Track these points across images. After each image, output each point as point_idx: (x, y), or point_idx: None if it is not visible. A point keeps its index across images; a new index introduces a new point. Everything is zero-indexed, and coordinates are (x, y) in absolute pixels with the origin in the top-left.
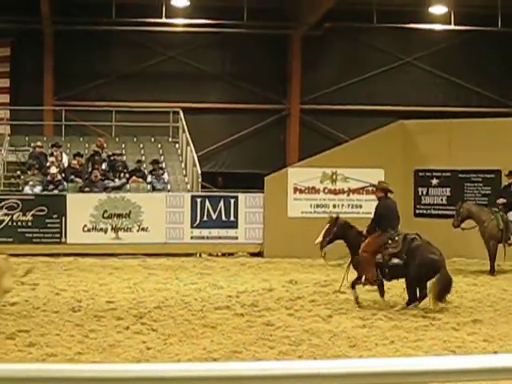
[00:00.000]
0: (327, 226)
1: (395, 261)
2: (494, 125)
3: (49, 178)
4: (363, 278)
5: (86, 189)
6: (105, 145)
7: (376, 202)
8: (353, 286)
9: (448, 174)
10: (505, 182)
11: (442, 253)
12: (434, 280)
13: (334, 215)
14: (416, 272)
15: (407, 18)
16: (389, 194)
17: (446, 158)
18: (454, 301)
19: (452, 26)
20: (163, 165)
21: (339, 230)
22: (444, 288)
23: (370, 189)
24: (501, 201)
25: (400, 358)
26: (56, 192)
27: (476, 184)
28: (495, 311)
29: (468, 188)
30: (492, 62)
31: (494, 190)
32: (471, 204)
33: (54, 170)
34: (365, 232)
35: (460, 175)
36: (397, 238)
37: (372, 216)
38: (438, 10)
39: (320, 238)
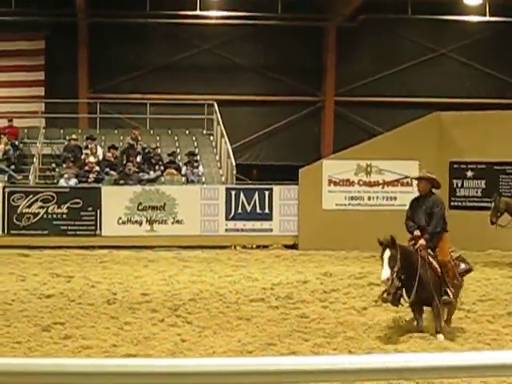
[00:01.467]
0: (388, 255)
1: (462, 266)
2: None
3: (87, 168)
4: (450, 294)
5: (121, 181)
6: (139, 137)
7: (409, 195)
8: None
9: (483, 166)
10: None
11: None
12: None
13: (387, 239)
14: None
15: (442, 9)
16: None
17: (481, 150)
18: (489, 293)
19: (487, 18)
20: (198, 157)
21: (403, 254)
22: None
23: (405, 181)
24: None
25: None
26: (93, 182)
27: (511, 176)
28: None
29: (503, 180)
30: None
31: None
32: (507, 198)
33: (92, 159)
34: (409, 241)
35: (495, 167)
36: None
37: (437, 215)
38: (472, 1)
39: (387, 274)
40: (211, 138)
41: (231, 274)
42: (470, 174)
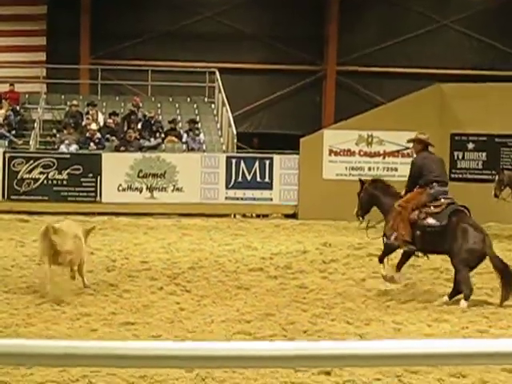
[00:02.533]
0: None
1: (430, 221)
2: None
3: (88, 134)
4: (393, 236)
5: (122, 148)
6: (140, 104)
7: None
8: (380, 259)
9: (484, 138)
10: None
11: (485, 237)
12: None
13: (363, 178)
14: (463, 256)
15: None
16: (430, 149)
17: (482, 123)
18: (488, 266)
19: None
20: (199, 125)
21: (366, 194)
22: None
23: (406, 152)
24: None
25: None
26: (95, 149)
27: None
28: None
29: (504, 153)
30: None
31: None
32: (511, 172)
33: (94, 126)
34: (403, 193)
35: (496, 140)
36: (443, 200)
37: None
38: None
39: (356, 209)
40: (212, 105)
41: (231, 243)
42: (470, 146)
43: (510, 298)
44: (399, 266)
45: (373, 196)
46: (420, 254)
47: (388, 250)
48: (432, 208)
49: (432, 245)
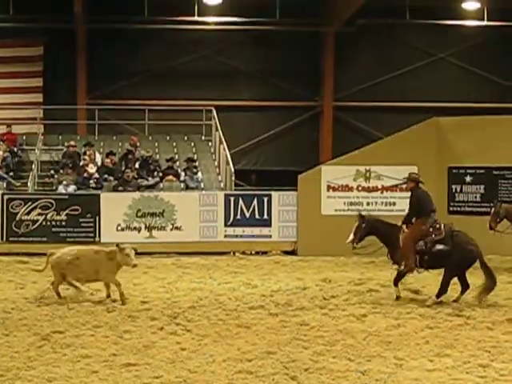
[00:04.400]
0: (356, 224)
1: (439, 247)
2: None
3: (85, 174)
4: (404, 265)
5: (120, 188)
6: (138, 143)
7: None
8: (395, 283)
9: (482, 171)
10: None
11: (477, 246)
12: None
13: (362, 213)
14: (456, 261)
15: (440, 13)
16: (420, 185)
17: (479, 155)
18: (488, 299)
19: (485, 22)
20: (196, 163)
21: (368, 225)
22: (491, 285)
23: (404, 186)
24: None
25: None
26: (92, 190)
27: (510, 181)
28: None
29: (502, 185)
30: None
31: None
32: (508, 205)
33: (92, 168)
34: (400, 223)
35: (494, 172)
36: (438, 226)
37: (408, 207)
38: (470, 5)
39: (351, 237)
40: (210, 143)
41: (230, 281)
42: (468, 179)
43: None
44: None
45: (375, 227)
46: (420, 270)
47: (401, 275)
48: (434, 236)
49: (438, 262)
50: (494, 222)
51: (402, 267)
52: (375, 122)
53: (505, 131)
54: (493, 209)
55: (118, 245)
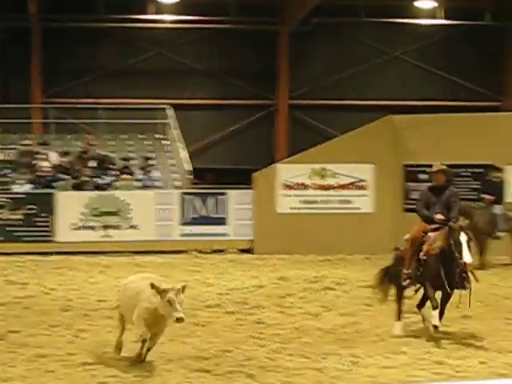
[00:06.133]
0: (465, 238)
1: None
2: (483, 119)
3: (40, 173)
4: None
5: (75, 187)
6: (93, 142)
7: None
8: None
9: None
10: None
11: None
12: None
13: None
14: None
15: (394, 12)
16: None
17: (434, 153)
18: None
19: (439, 21)
20: (152, 162)
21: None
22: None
23: (360, 184)
24: (487, 196)
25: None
26: (47, 189)
27: (465, 178)
28: (485, 306)
29: (457, 182)
30: (479, 57)
31: (482, 184)
32: (465, 203)
33: (45, 163)
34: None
35: None
36: None
37: (457, 205)
38: (425, 4)
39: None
40: (165, 142)
41: (186, 280)
42: (423, 176)
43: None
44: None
45: None
46: None
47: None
48: None
49: None
50: None
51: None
52: (330, 120)
53: (459, 129)
54: None
55: (153, 285)
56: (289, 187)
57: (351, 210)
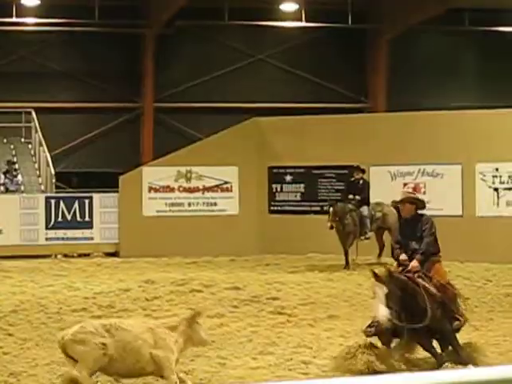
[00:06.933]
0: (384, 291)
1: None
2: (346, 120)
3: None
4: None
5: None
6: None
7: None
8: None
9: (302, 170)
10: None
11: None
12: None
13: (384, 271)
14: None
15: (258, 15)
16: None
17: (299, 155)
18: (310, 296)
19: (303, 23)
20: (16, 166)
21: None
22: None
23: (225, 186)
24: (353, 197)
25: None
26: None
27: (329, 179)
28: (351, 306)
29: (322, 184)
30: (343, 59)
31: (346, 185)
32: (343, 204)
33: None
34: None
35: (313, 171)
36: None
37: (426, 235)
38: (288, 7)
39: (385, 314)
40: (30, 146)
41: (52, 284)
42: (288, 178)
43: None
44: None
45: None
46: None
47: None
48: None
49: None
50: (333, 220)
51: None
52: (196, 123)
53: (323, 130)
54: (331, 208)
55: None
56: (154, 190)
57: (217, 212)
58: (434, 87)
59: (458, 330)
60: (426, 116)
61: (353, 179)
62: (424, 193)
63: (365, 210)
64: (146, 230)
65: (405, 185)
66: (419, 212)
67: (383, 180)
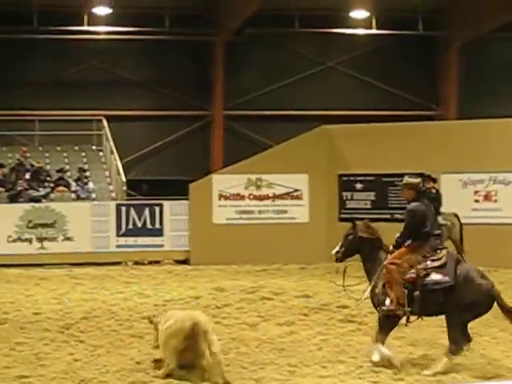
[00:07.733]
0: (344, 234)
1: (436, 277)
2: (417, 128)
3: None
4: (387, 301)
5: (10, 199)
6: (28, 154)
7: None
8: (378, 338)
9: (372, 178)
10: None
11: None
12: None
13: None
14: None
15: (329, 22)
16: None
17: (369, 162)
18: None
19: (373, 31)
20: (88, 173)
21: (356, 239)
22: None
23: (295, 194)
24: None
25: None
26: None
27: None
28: None
29: (392, 192)
30: (413, 66)
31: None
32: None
33: None
34: (391, 247)
35: (383, 179)
36: (439, 251)
37: (404, 224)
38: (359, 14)
39: (336, 248)
40: (101, 153)
41: (123, 291)
42: (359, 186)
43: None
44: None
45: (363, 242)
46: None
47: (386, 323)
48: (429, 262)
49: (433, 302)
50: None
51: (387, 304)
52: (265, 130)
53: (393, 138)
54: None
55: None
56: (225, 198)
57: (287, 219)
58: (505, 95)
59: (386, 315)
60: (498, 124)
61: (424, 188)
62: (495, 201)
63: (440, 219)
64: (216, 237)
65: (476, 193)
66: (415, 198)
67: (454, 188)
